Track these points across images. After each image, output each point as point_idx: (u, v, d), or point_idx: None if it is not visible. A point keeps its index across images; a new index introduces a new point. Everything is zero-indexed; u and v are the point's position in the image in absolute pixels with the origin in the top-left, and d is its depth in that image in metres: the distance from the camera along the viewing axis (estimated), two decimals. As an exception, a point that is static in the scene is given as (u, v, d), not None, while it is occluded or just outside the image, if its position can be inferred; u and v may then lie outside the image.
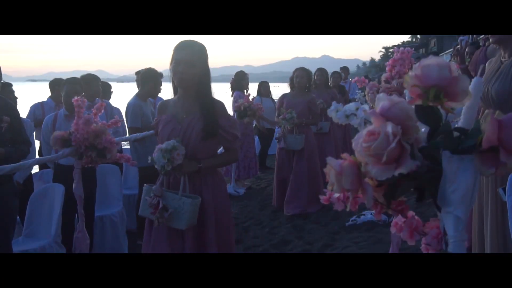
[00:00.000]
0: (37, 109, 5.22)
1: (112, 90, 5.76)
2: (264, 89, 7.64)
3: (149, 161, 2.27)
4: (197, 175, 2.36)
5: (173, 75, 2.33)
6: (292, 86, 5.47)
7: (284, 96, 5.53)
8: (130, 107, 4.41)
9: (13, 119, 2.89)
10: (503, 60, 2.28)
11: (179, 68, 2.28)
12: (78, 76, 4.19)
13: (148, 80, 4.51)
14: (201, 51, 2.35)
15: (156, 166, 2.26)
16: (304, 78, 5.36)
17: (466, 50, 6.12)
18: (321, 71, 6.83)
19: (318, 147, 6.68)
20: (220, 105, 2.42)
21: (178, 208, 2.25)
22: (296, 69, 5.47)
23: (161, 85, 4.65)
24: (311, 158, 5.39)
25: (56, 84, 5.08)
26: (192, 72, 2.29)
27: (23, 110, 4.45)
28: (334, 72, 8.06)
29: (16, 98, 4.92)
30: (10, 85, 4.85)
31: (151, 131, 4.28)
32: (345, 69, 10.33)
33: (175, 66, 2.29)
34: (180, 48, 2.30)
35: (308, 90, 5.46)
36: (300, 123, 5.23)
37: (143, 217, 2.49)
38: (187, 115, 2.36)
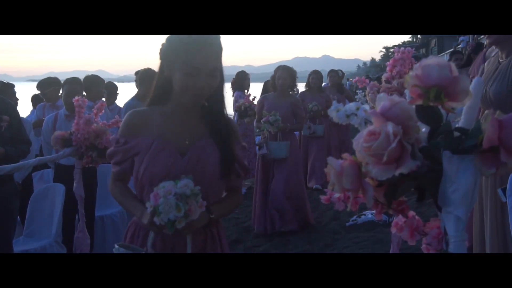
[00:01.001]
0: (39, 109, 5.21)
1: (118, 92, 5.72)
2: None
3: (148, 210, 1.44)
4: (202, 229, 1.59)
5: (187, 87, 1.53)
6: (274, 87, 4.87)
7: (264, 98, 4.90)
8: (124, 108, 4.45)
9: (12, 119, 2.90)
10: (501, 60, 2.27)
11: (200, 80, 1.51)
12: (78, 76, 4.19)
13: (145, 80, 4.52)
14: (221, 52, 1.60)
15: (156, 220, 1.41)
16: (287, 80, 4.75)
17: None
18: (317, 74, 6.61)
19: (310, 151, 6.42)
20: (235, 127, 1.73)
21: None
22: (278, 69, 4.83)
23: None
24: (294, 169, 4.75)
25: (48, 84, 4.97)
26: (214, 85, 1.57)
27: (24, 110, 4.45)
28: (331, 71, 7.81)
29: (17, 99, 4.91)
30: (12, 86, 4.82)
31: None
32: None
33: (195, 77, 1.51)
34: (199, 46, 1.51)
35: (291, 91, 4.89)
36: (284, 128, 4.65)
37: None
38: (192, 141, 1.60)
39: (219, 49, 1.57)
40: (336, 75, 7.80)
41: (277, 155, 4.61)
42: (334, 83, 7.66)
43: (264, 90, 7.56)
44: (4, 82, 4.40)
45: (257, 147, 5.12)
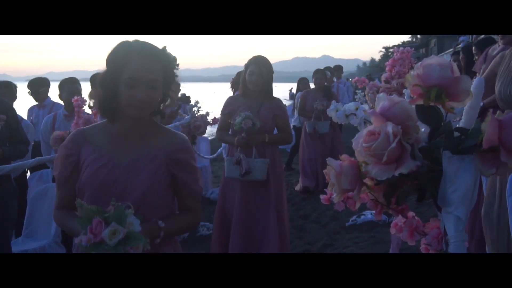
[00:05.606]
0: (29, 111, 5.07)
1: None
2: (303, 86, 7.31)
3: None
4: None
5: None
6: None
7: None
8: None
9: (9, 118, 2.88)
10: None
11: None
12: (78, 76, 4.17)
13: None
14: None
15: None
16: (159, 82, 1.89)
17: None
18: (259, 65, 3.26)
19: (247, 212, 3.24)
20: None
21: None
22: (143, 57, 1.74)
23: None
24: None
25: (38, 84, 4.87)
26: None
27: (23, 110, 4.42)
28: (317, 71, 6.28)
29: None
30: (15, 86, 4.70)
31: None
32: (338, 68, 8.13)
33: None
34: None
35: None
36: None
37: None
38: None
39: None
40: (322, 76, 6.22)
41: None
42: (320, 86, 6.17)
43: (298, 88, 7.34)
44: (7, 82, 4.34)
45: None
